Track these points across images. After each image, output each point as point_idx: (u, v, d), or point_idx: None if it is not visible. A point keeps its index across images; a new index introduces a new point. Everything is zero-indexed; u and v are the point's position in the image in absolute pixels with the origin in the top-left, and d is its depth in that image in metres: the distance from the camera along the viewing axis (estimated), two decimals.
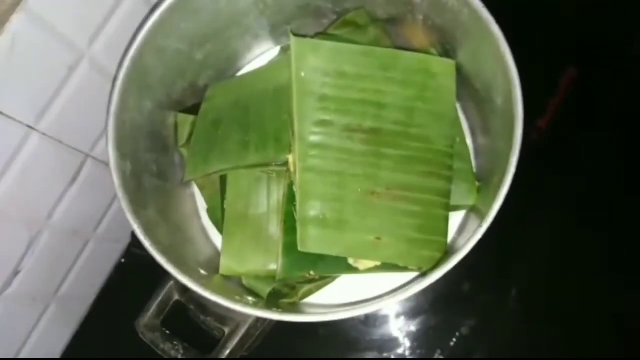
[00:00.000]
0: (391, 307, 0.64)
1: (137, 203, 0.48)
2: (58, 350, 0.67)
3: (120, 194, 0.47)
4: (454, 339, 0.62)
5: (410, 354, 0.63)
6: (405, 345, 0.63)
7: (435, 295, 0.64)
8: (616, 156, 0.65)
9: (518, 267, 0.64)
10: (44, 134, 0.50)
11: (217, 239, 0.58)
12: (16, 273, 0.53)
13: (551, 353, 0.62)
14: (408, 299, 0.63)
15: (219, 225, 0.57)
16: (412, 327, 0.63)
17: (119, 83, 0.48)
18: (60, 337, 0.67)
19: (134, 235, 0.69)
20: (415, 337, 0.63)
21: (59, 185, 0.55)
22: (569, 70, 0.67)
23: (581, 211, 0.64)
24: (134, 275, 0.68)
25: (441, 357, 0.62)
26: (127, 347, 0.62)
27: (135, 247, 0.70)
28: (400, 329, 0.64)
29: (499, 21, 0.46)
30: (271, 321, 0.51)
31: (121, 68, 0.48)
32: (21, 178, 0.49)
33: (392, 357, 0.63)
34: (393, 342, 0.63)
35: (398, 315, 0.64)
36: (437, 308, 0.64)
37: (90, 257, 0.64)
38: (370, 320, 0.64)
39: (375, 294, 0.48)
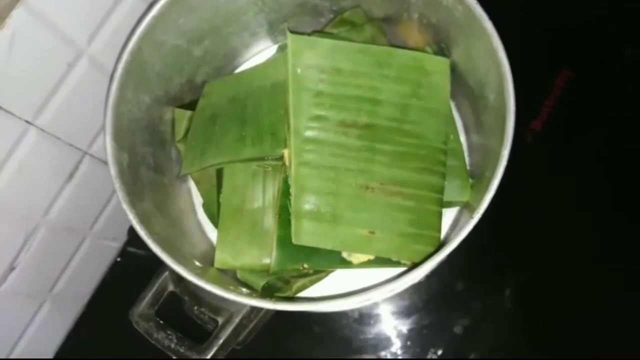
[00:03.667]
0: (385, 306, 0.64)
1: (134, 194, 0.48)
2: (52, 348, 0.66)
3: (117, 184, 0.47)
4: (448, 338, 0.62)
5: (404, 353, 0.63)
6: (399, 344, 0.63)
7: (429, 294, 0.64)
8: (611, 157, 0.66)
9: (512, 267, 0.64)
10: (42, 129, 0.50)
11: (212, 234, 0.58)
12: (11, 269, 0.54)
13: (546, 353, 0.62)
14: (402, 298, 0.64)
15: (215, 219, 0.57)
16: (406, 326, 0.64)
17: (117, 75, 0.49)
18: (55, 335, 0.66)
19: (130, 234, 0.70)
20: (409, 336, 0.63)
21: (56, 181, 0.55)
22: (563, 71, 0.67)
23: (576, 212, 0.65)
24: (129, 275, 0.68)
25: (435, 356, 0.62)
26: (121, 344, 0.62)
27: (131, 246, 0.70)
28: (394, 327, 0.64)
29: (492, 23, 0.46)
30: (265, 314, 0.51)
31: (120, 60, 0.49)
32: (18, 173, 0.49)
33: (386, 355, 0.63)
34: (387, 341, 0.63)
35: (392, 314, 0.64)
36: (430, 307, 0.64)
37: (86, 255, 0.64)
38: (365, 319, 0.64)
39: None
